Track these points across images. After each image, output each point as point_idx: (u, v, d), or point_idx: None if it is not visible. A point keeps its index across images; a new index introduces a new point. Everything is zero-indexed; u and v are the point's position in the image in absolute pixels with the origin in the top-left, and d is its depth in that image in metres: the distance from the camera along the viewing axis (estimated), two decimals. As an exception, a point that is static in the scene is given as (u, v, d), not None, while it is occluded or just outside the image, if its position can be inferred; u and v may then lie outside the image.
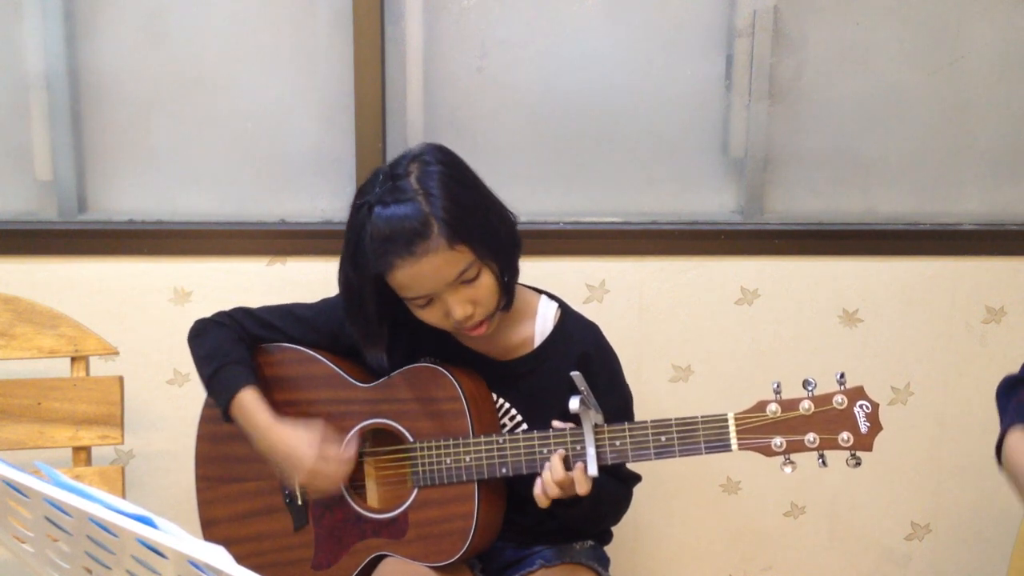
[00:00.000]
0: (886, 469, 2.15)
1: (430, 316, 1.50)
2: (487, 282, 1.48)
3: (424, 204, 1.43)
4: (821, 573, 2.20)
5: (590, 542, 1.68)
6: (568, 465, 1.45)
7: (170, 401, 2.08)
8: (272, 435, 1.54)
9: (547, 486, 1.45)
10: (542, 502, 1.46)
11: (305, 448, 1.51)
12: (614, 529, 1.73)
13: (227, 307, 1.68)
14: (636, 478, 1.65)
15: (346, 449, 1.55)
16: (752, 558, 2.19)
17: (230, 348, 1.61)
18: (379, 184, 1.47)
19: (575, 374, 1.41)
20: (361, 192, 1.51)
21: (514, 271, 1.54)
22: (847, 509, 2.17)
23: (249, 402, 1.55)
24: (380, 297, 1.50)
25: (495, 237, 1.49)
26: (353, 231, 1.48)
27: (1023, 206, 2.15)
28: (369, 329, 1.53)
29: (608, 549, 1.72)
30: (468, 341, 1.60)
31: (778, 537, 2.18)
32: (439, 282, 1.44)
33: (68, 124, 2.07)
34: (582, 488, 1.43)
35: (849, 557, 2.19)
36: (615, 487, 1.59)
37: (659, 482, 2.11)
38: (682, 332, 2.09)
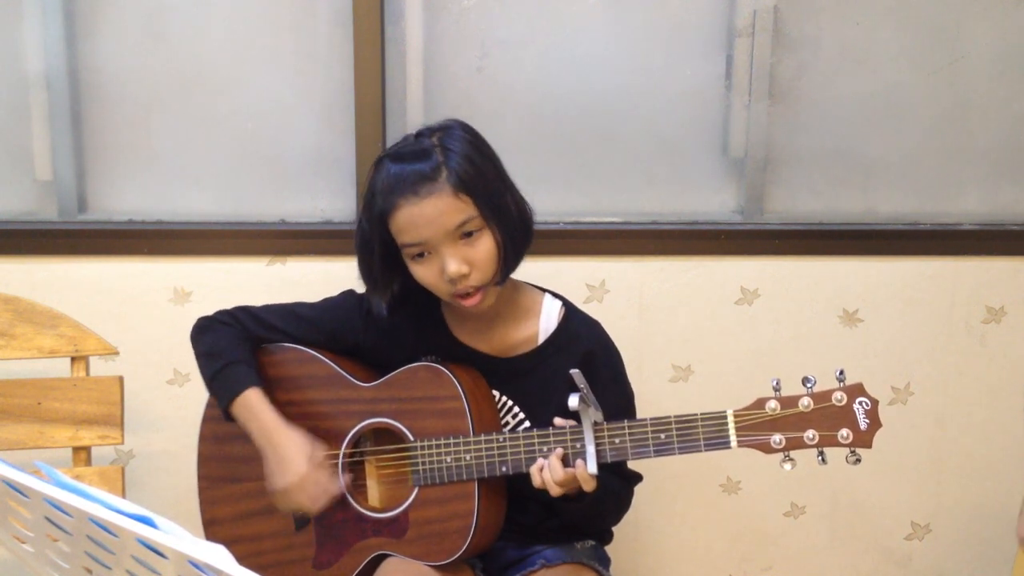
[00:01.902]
0: (886, 469, 2.15)
1: (425, 273, 1.49)
2: (486, 245, 1.48)
3: (439, 155, 1.47)
4: (821, 573, 2.20)
5: (591, 542, 1.67)
6: (567, 463, 1.45)
7: (170, 401, 2.08)
8: (276, 436, 1.54)
9: (548, 487, 1.45)
10: (536, 480, 1.46)
11: (303, 460, 1.52)
12: (615, 529, 1.73)
13: (227, 307, 1.68)
14: (637, 477, 1.65)
15: (332, 482, 1.54)
16: (752, 558, 2.19)
17: (234, 347, 1.61)
18: (402, 142, 1.53)
19: (574, 372, 1.40)
20: (386, 150, 1.56)
21: (517, 251, 1.54)
22: (847, 509, 2.17)
23: (255, 402, 1.56)
24: (386, 247, 1.51)
25: (503, 207, 1.50)
26: (370, 182, 1.52)
27: (1023, 206, 2.15)
28: (376, 275, 1.55)
29: (609, 549, 1.72)
30: (470, 339, 1.61)
31: (778, 537, 2.18)
32: (438, 229, 1.45)
33: (68, 124, 2.07)
34: (588, 486, 1.43)
35: (849, 557, 2.19)
36: (618, 485, 1.59)
37: (659, 482, 2.11)
38: (682, 332, 2.09)
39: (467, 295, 1.49)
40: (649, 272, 2.07)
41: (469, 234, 1.47)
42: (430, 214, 1.44)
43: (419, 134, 1.53)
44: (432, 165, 1.46)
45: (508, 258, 1.51)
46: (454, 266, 1.46)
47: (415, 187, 1.45)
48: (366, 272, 1.56)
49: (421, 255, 1.48)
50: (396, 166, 1.48)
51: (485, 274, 1.49)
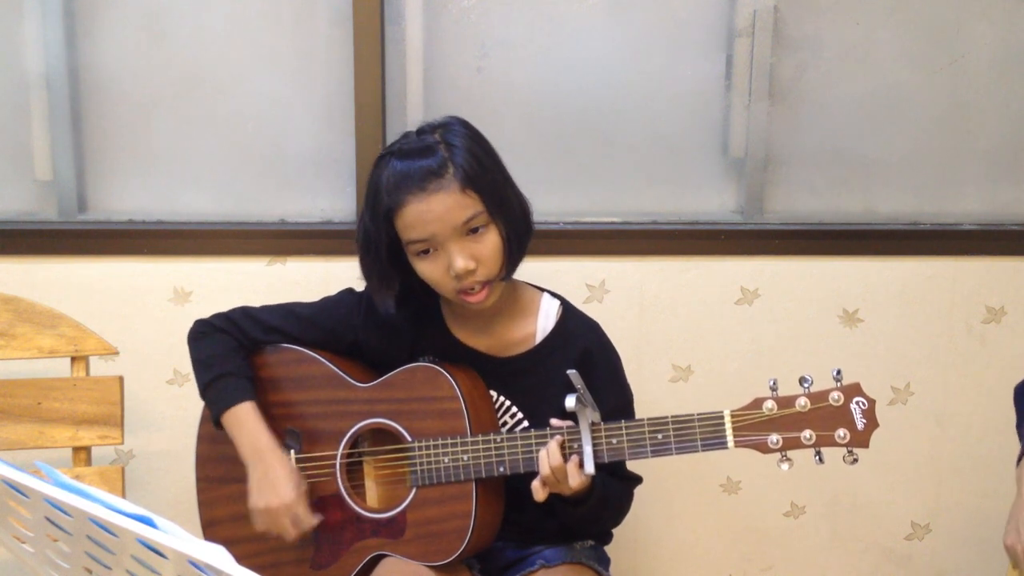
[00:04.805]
0: (886, 469, 2.15)
1: (431, 270, 1.49)
2: (492, 241, 1.48)
3: (444, 151, 1.47)
4: (821, 573, 2.20)
5: (590, 542, 1.68)
6: (565, 455, 1.44)
7: (170, 401, 2.08)
8: (269, 456, 1.55)
9: (541, 466, 1.44)
10: (539, 495, 1.46)
11: (292, 487, 1.53)
12: (614, 529, 1.73)
13: (227, 307, 1.68)
14: (637, 479, 1.65)
15: (307, 519, 1.55)
16: (752, 558, 2.19)
17: (228, 356, 1.61)
18: (403, 139, 1.53)
19: (571, 372, 1.40)
20: (387, 147, 1.55)
21: (521, 245, 1.54)
22: (847, 509, 2.17)
23: (247, 417, 1.57)
24: (391, 245, 1.51)
25: (507, 203, 1.51)
26: (373, 180, 1.52)
27: (1023, 206, 2.15)
28: (381, 273, 1.54)
29: (608, 549, 1.72)
30: (469, 338, 1.61)
31: (778, 537, 2.18)
32: (446, 224, 1.45)
33: (68, 124, 2.07)
34: (574, 480, 1.43)
35: (849, 557, 2.19)
36: (620, 488, 1.59)
37: (659, 482, 2.11)
38: (682, 332, 2.09)
39: (472, 292, 1.49)
40: (649, 272, 2.07)
41: (475, 230, 1.47)
42: (438, 210, 1.45)
43: (420, 131, 1.53)
44: (438, 161, 1.46)
45: (513, 252, 1.52)
46: (461, 262, 1.46)
47: (422, 183, 1.45)
48: (370, 271, 1.56)
49: (427, 251, 1.48)
50: (401, 163, 1.48)
51: (491, 269, 1.49)
